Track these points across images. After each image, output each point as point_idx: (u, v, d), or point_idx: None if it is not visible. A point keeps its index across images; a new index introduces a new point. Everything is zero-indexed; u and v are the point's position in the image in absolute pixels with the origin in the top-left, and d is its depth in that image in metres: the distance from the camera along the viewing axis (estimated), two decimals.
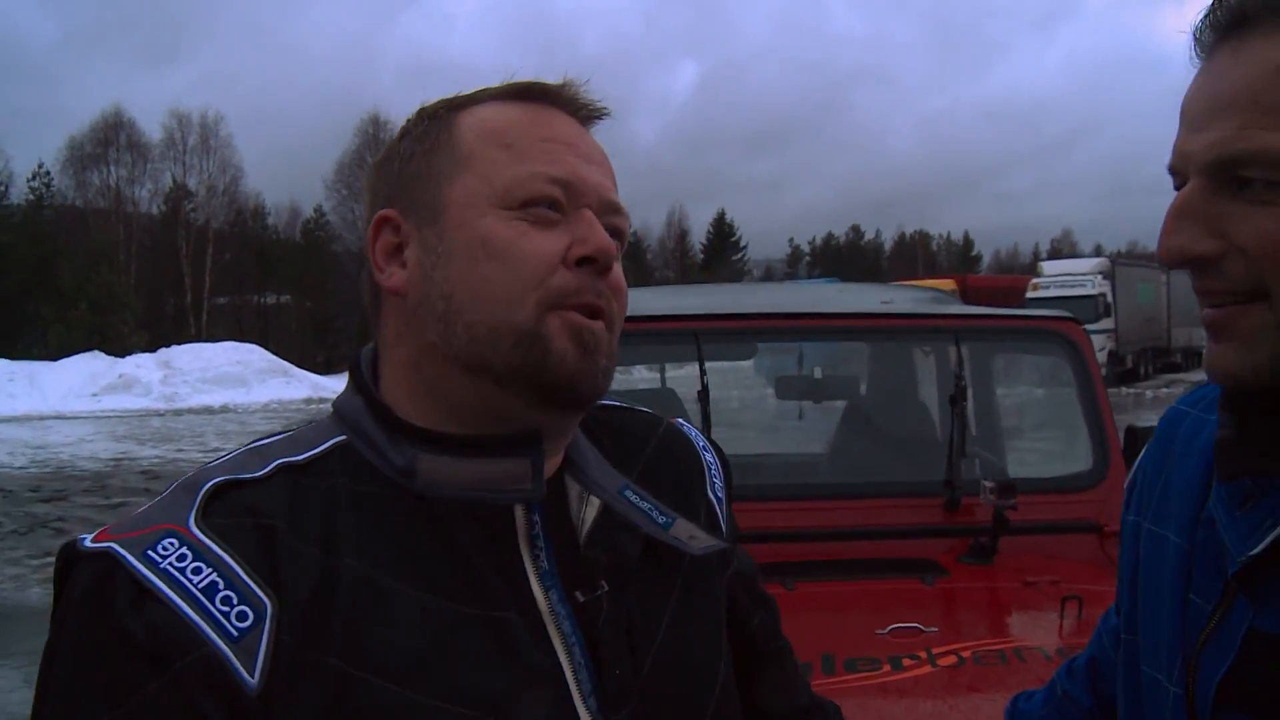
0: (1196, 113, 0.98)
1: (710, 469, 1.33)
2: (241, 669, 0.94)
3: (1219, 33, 0.98)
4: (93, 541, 0.99)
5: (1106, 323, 34.28)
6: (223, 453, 1.13)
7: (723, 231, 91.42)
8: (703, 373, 3.28)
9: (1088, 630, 2.54)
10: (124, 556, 0.96)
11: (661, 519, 1.17)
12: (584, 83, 1.17)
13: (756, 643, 1.37)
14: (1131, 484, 1.32)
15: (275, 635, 0.96)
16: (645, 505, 1.17)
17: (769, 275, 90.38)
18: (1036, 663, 2.40)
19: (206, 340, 43.74)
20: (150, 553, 0.97)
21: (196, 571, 0.96)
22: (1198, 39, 1.01)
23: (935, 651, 2.44)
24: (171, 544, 0.97)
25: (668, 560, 1.18)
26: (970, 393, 3.55)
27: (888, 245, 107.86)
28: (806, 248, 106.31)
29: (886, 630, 2.58)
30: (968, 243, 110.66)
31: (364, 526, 1.04)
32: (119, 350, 39.92)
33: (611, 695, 1.07)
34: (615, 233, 1.12)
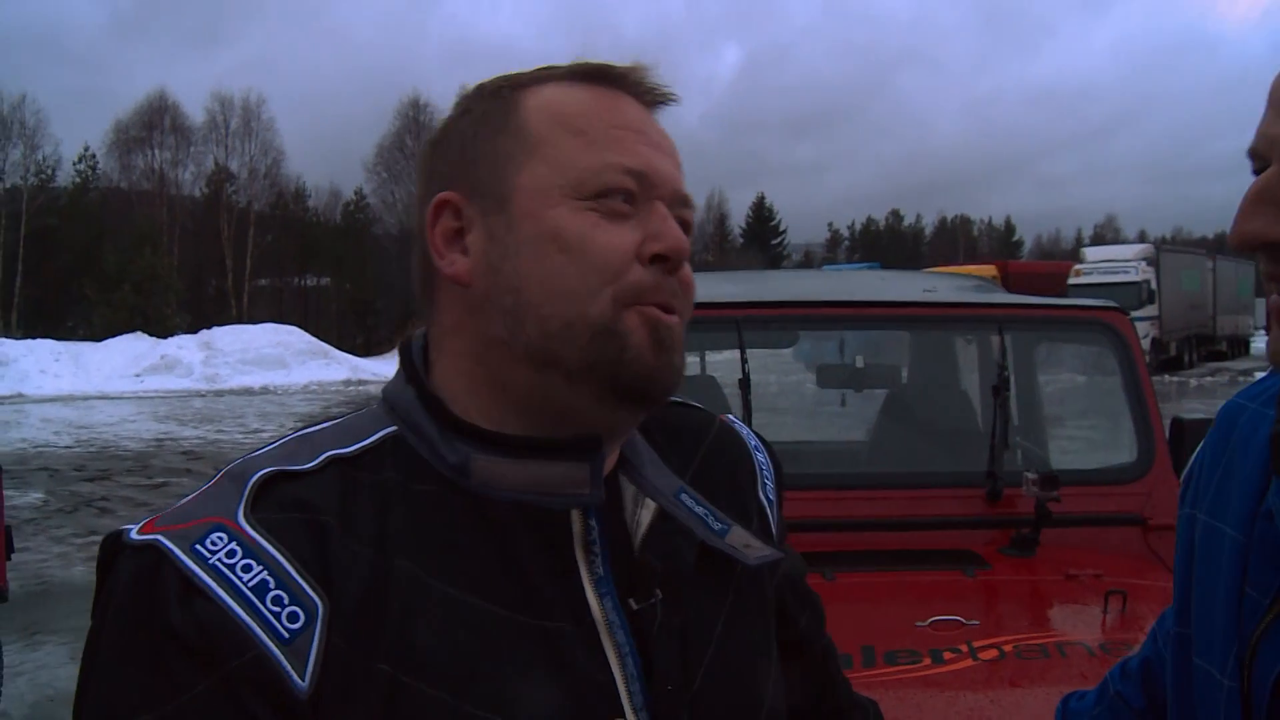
0: None
1: (762, 470, 1.29)
2: (293, 672, 0.91)
3: None
4: (139, 533, 0.96)
5: (1150, 309, 33.90)
6: (270, 440, 1.09)
7: (762, 216, 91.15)
8: (744, 361, 3.27)
9: (1131, 625, 2.53)
10: (171, 550, 0.94)
11: (717, 525, 1.13)
12: (652, 67, 1.12)
13: (801, 644, 1.34)
14: (1188, 477, 1.30)
15: (326, 637, 0.93)
16: (701, 510, 1.13)
17: (808, 260, 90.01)
18: (1078, 658, 2.38)
19: (247, 322, 44.06)
20: (199, 547, 0.94)
21: (246, 569, 0.93)
22: None
23: (976, 645, 2.42)
24: (220, 539, 0.94)
25: (722, 568, 1.14)
26: (1013, 382, 3.51)
27: (928, 230, 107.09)
28: (846, 232, 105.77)
29: (927, 622, 2.56)
30: (1009, 228, 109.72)
31: (416, 525, 1.01)
32: (161, 331, 40.35)
33: (663, 709, 1.04)
34: (684, 225, 1.08)
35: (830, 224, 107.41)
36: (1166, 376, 30.27)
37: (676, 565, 1.10)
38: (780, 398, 8.97)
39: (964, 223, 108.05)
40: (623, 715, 1.02)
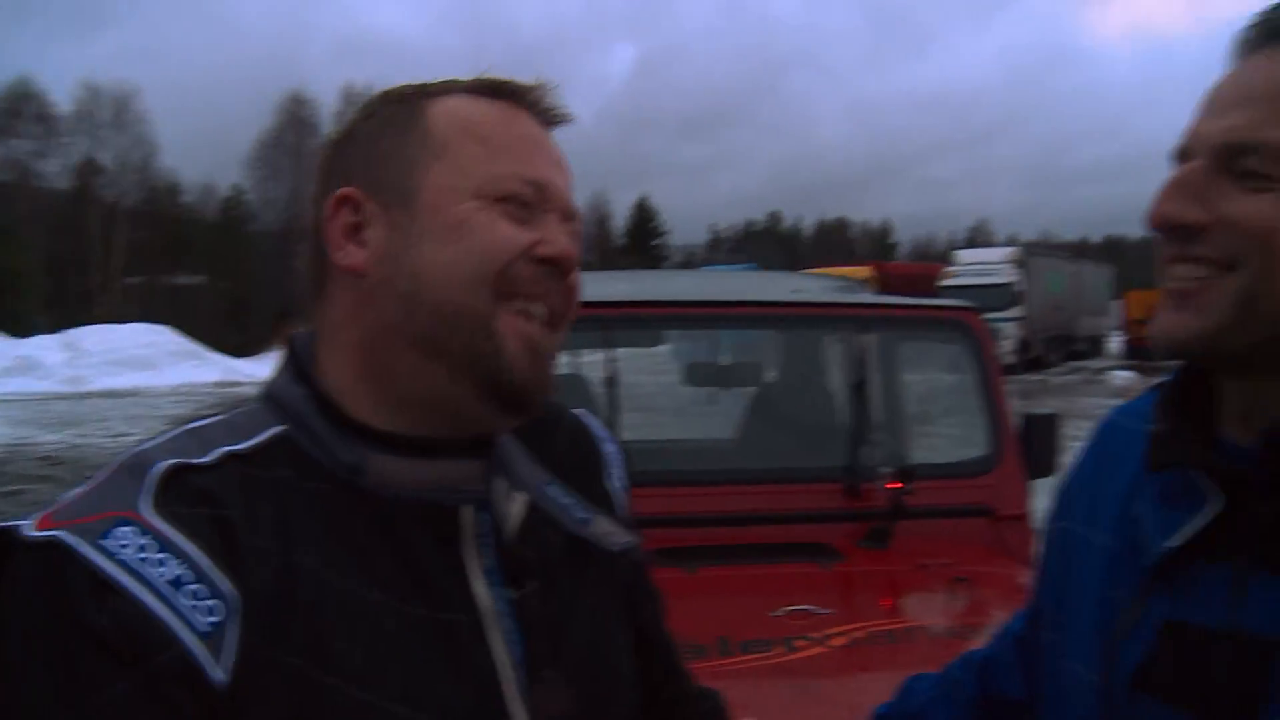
0: (1222, 101, 1.05)
1: (610, 459, 1.36)
2: (211, 665, 0.92)
3: (1266, 38, 1.05)
4: (36, 529, 0.94)
5: (1017, 311, 34.88)
6: (157, 434, 1.08)
7: (644, 216, 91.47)
8: (610, 360, 3.32)
9: (976, 611, 2.65)
10: (76, 547, 0.92)
11: (581, 515, 1.19)
12: (553, 86, 1.18)
13: (646, 632, 1.40)
14: (1062, 492, 1.38)
15: (241, 630, 0.94)
16: (566, 501, 1.19)
17: (689, 261, 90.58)
18: (925, 642, 2.48)
19: (115, 322, 42.68)
20: (104, 542, 0.93)
21: (160, 563, 0.93)
22: (1242, 40, 1.08)
23: (828, 633, 2.51)
24: (127, 533, 0.94)
25: (585, 556, 1.20)
26: (874, 380, 3.62)
27: (808, 232, 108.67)
28: (727, 233, 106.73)
29: (782, 612, 2.64)
30: (886, 230, 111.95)
31: (314, 523, 1.03)
32: (21, 331, 38.85)
33: (540, 692, 1.09)
34: (572, 236, 1.15)
35: (712, 225, 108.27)
36: (1031, 375, 31.22)
37: (547, 555, 1.16)
38: (655, 398, 9.04)
39: (843, 224, 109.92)
40: (504, 702, 1.07)
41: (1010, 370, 29.74)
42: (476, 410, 1.10)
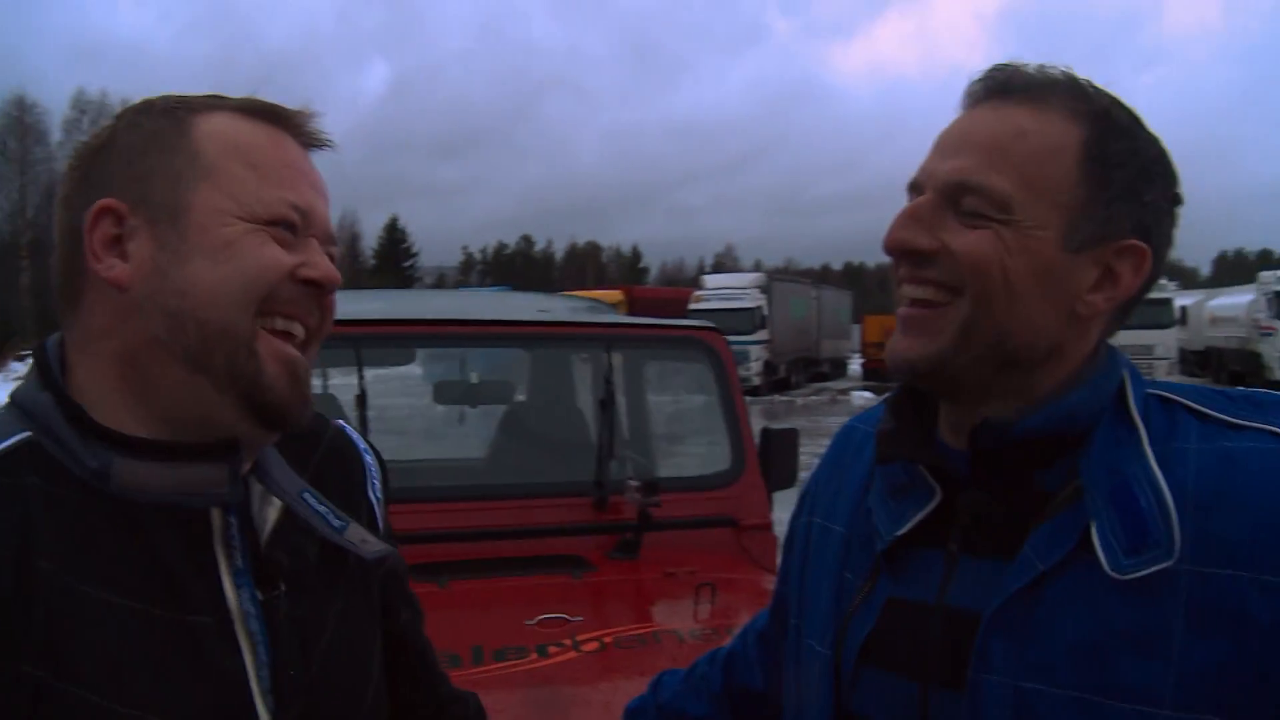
0: (950, 144, 1.19)
1: (370, 470, 1.40)
2: None
3: (988, 93, 1.19)
4: None
5: (762, 334, 36.02)
6: None
7: (394, 237, 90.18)
8: (360, 378, 3.31)
9: (719, 614, 2.77)
10: None
11: (336, 522, 1.22)
12: (315, 113, 1.21)
13: (404, 638, 1.45)
14: (807, 490, 1.50)
15: None
16: (322, 509, 1.22)
17: (440, 283, 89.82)
18: (672, 644, 2.59)
19: None
20: None
21: None
22: (969, 92, 1.21)
23: (580, 639, 2.59)
24: None
25: (338, 562, 1.24)
26: (621, 397, 3.72)
27: (559, 255, 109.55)
28: (480, 256, 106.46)
29: (535, 621, 2.70)
30: (636, 255, 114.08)
31: (58, 530, 1.02)
32: None
33: (285, 693, 1.12)
34: (330, 259, 1.18)
35: (465, 247, 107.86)
36: (776, 396, 32.38)
37: (300, 560, 1.19)
38: (408, 420, 8.97)
39: (594, 249, 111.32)
40: (252, 702, 1.09)
41: (756, 391, 30.73)
42: (236, 424, 1.12)
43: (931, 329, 1.17)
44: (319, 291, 1.16)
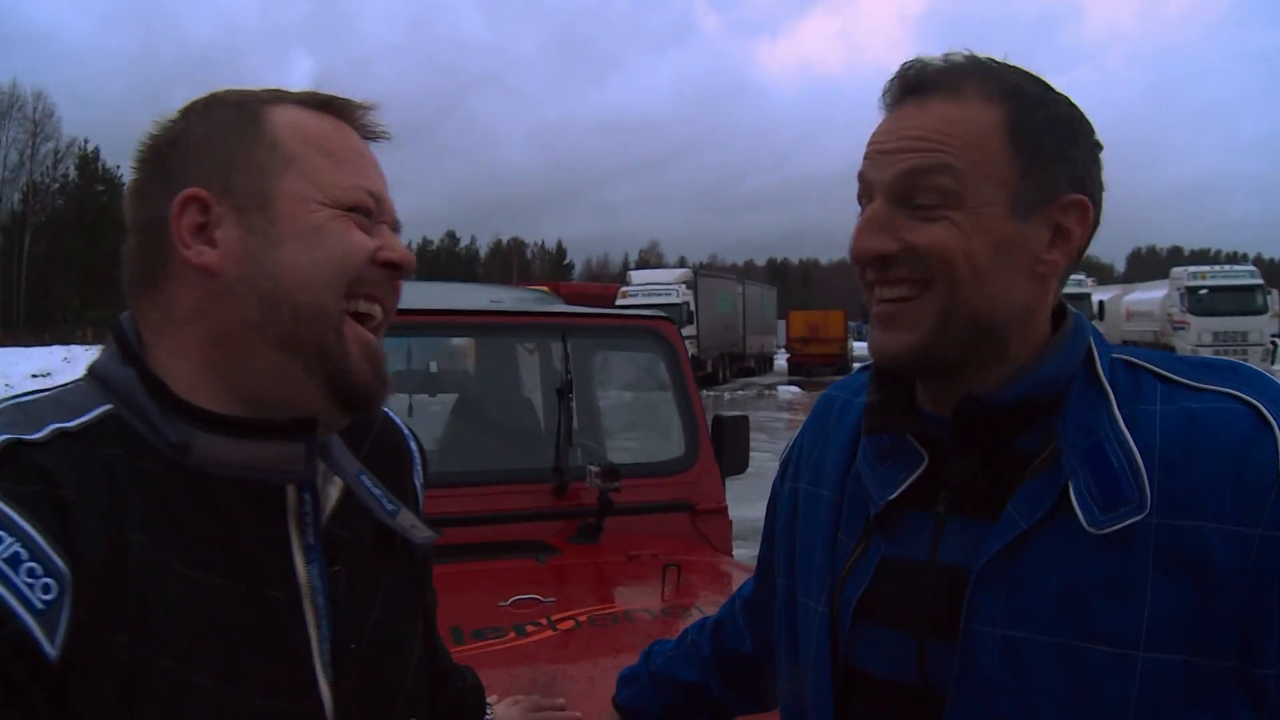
0: (886, 147, 1.24)
1: (415, 458, 1.45)
2: (45, 641, 0.94)
3: (906, 91, 1.25)
4: None
5: (689, 329, 36.20)
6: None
7: None
8: None
9: (685, 593, 2.84)
10: None
11: (390, 506, 1.27)
12: (375, 106, 1.26)
13: (428, 618, 1.50)
14: (788, 458, 1.57)
15: (73, 607, 0.96)
16: (377, 492, 1.27)
17: None
18: (644, 622, 2.64)
19: None
20: None
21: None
22: (888, 93, 1.27)
23: (554, 618, 2.64)
24: None
25: (389, 544, 1.29)
26: (580, 386, 3.77)
27: (483, 252, 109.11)
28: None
29: (508, 602, 2.75)
30: (560, 251, 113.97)
31: (143, 501, 1.05)
32: None
33: (344, 666, 1.16)
34: None
35: None
36: (705, 392, 32.51)
37: (357, 538, 1.23)
38: None
39: (518, 245, 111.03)
40: (315, 674, 1.13)
41: None
42: (320, 405, 1.16)
43: (909, 321, 1.24)
44: (396, 273, 1.21)
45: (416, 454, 1.46)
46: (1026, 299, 1.24)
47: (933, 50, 1.31)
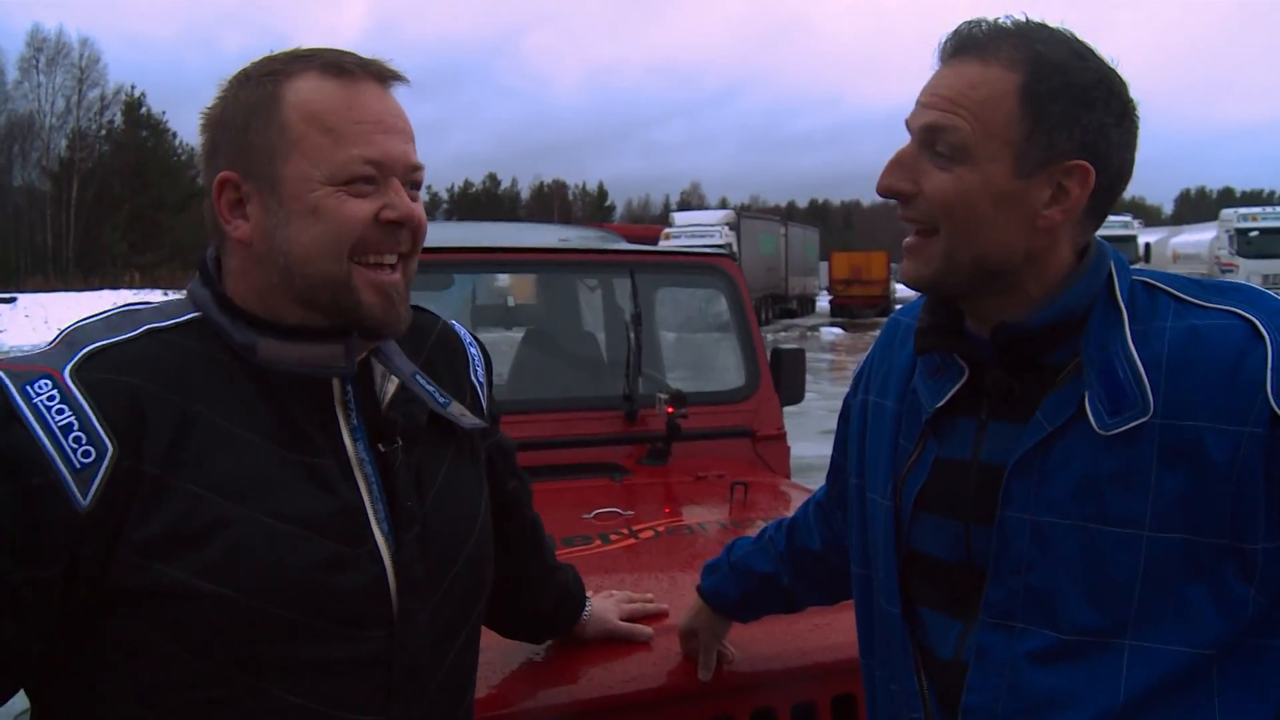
0: (924, 98, 1.44)
1: (474, 359, 1.71)
2: (76, 493, 1.22)
3: (953, 51, 1.44)
4: None
5: None
6: (102, 310, 1.41)
7: None
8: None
9: (750, 509, 3.08)
10: (8, 384, 1.24)
11: (441, 400, 1.54)
12: (389, 60, 1.46)
13: (513, 505, 1.81)
14: (860, 374, 1.80)
15: (113, 472, 1.24)
16: (430, 388, 1.54)
17: None
18: (715, 531, 2.88)
19: None
20: (28, 387, 1.24)
21: (60, 411, 1.23)
22: (941, 48, 1.46)
23: (635, 528, 2.89)
24: (46, 384, 1.25)
25: (446, 429, 1.56)
26: (650, 319, 3.99)
27: (524, 194, 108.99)
28: (445, 195, 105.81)
29: (591, 514, 3.00)
30: (602, 192, 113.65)
31: (214, 383, 1.35)
32: None
33: (402, 520, 1.44)
34: (415, 185, 1.46)
35: (429, 187, 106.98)
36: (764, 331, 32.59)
37: (412, 423, 1.50)
38: None
39: (560, 187, 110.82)
40: (369, 523, 1.41)
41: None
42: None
43: (924, 257, 1.45)
44: (399, 228, 1.42)
45: (476, 356, 1.72)
46: (1028, 246, 1.42)
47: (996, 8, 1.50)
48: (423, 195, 1.50)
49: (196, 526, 1.26)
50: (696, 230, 37.66)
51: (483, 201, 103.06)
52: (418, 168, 1.45)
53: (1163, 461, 1.34)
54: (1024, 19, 1.44)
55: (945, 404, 1.53)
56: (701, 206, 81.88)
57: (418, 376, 1.53)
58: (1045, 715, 1.38)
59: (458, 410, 1.56)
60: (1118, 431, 1.35)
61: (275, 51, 1.45)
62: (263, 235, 1.38)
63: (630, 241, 4.76)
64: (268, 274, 1.39)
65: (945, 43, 1.46)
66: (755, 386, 4.00)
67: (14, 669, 1.26)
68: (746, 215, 42.93)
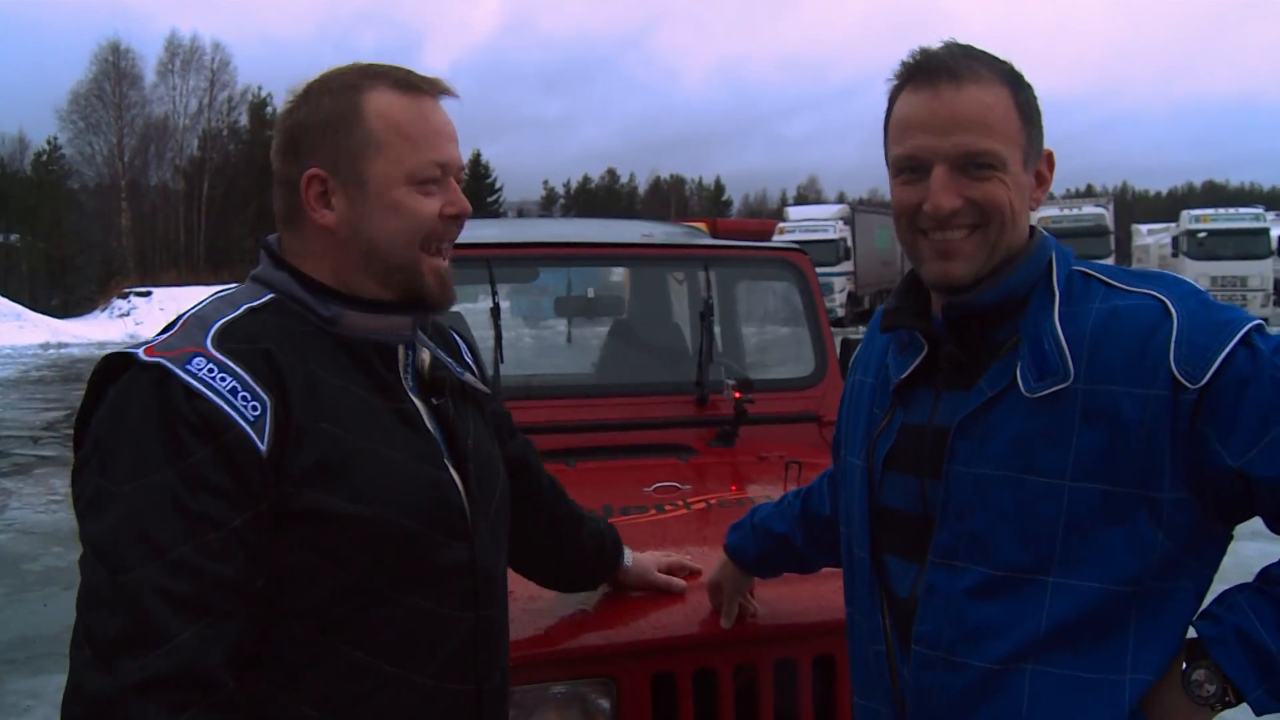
0: (940, 124, 1.64)
1: (462, 347, 2.01)
2: (257, 440, 1.49)
3: (937, 77, 1.65)
4: (145, 355, 1.51)
5: (846, 265, 35.97)
6: (201, 300, 1.67)
7: (478, 173, 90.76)
8: (494, 293, 3.83)
9: (805, 483, 3.26)
10: (172, 367, 1.50)
11: (458, 369, 1.84)
12: (445, 79, 1.75)
13: (524, 460, 2.13)
14: (855, 358, 2.05)
15: (275, 419, 1.51)
16: (449, 360, 1.83)
17: (523, 217, 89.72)
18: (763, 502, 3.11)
19: None
20: (188, 365, 1.50)
21: (222, 379, 1.50)
22: (915, 75, 1.67)
23: (690, 500, 3.14)
24: (201, 361, 1.51)
25: (467, 395, 1.86)
26: (716, 310, 4.22)
27: (642, 189, 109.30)
28: (561, 190, 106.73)
29: (651, 488, 3.26)
30: (719, 187, 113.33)
31: (314, 349, 1.62)
32: None
33: (461, 457, 1.74)
34: (459, 181, 1.74)
35: (545, 182, 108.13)
36: (860, 327, 32.41)
37: (447, 384, 1.80)
38: (517, 341, 9.58)
39: (677, 182, 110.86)
40: (443, 455, 1.72)
41: (840, 323, 30.78)
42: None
43: (968, 254, 1.67)
44: (458, 221, 1.73)
45: (462, 345, 2.01)
46: (1025, 228, 1.70)
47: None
48: (538, 191, 1.82)
49: (336, 459, 1.55)
50: (810, 225, 37.52)
51: (600, 197, 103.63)
52: (464, 168, 1.74)
53: (1085, 421, 1.56)
54: (954, 41, 1.69)
55: (908, 376, 1.77)
56: (819, 201, 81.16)
57: (439, 351, 1.82)
58: (980, 641, 1.61)
59: (471, 379, 1.86)
60: (1042, 394, 1.58)
61: (339, 66, 1.73)
62: (347, 224, 1.65)
63: (744, 236, 4.98)
64: (349, 257, 1.66)
65: (913, 73, 1.68)
66: (823, 374, 4.21)
67: (259, 603, 1.49)
68: (861, 209, 42.51)
